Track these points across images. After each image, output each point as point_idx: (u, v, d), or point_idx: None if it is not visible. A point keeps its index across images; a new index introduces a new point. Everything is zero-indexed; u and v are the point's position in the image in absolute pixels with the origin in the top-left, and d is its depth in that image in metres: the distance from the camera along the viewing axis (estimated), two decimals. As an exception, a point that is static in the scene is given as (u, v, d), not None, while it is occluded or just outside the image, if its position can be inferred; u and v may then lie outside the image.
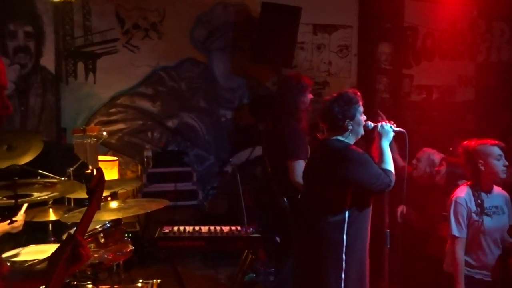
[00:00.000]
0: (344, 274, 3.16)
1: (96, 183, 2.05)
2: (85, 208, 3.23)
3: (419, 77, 7.78)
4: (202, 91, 7.13)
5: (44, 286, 1.62)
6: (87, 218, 1.96)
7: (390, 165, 3.23)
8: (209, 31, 7.06)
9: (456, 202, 3.80)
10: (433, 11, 7.49)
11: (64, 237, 3.69)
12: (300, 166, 4.03)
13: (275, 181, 4.32)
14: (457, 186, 4.17)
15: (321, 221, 3.23)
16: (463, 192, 3.82)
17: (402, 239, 3.91)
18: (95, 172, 2.07)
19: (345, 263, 3.16)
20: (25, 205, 3.41)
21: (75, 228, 1.92)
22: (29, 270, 1.84)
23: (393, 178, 3.20)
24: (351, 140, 3.26)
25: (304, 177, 3.55)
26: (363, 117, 3.28)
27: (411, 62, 7.75)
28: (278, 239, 5.83)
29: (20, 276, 1.79)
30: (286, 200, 4.14)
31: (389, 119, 3.46)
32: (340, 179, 3.14)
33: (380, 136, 3.26)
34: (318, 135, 3.44)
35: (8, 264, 3.31)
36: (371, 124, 3.29)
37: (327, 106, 3.28)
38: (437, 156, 5.05)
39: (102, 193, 2.11)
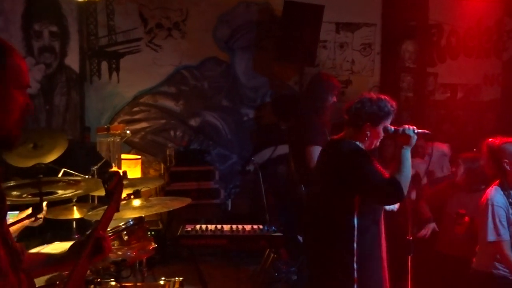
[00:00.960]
0: (357, 285, 3.01)
1: (115, 185, 2.07)
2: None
3: (444, 76, 7.67)
4: (225, 90, 7.15)
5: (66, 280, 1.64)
6: (107, 218, 1.99)
7: (404, 176, 2.94)
8: (231, 30, 7.08)
9: (493, 205, 3.67)
10: (458, 9, 7.38)
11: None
12: (316, 152, 3.99)
13: (297, 173, 4.39)
14: (477, 182, 4.14)
15: (330, 230, 3.11)
16: (497, 194, 3.70)
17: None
18: (114, 174, 2.09)
19: (357, 272, 3.00)
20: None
21: (97, 223, 1.94)
22: (55, 257, 1.86)
23: (400, 192, 2.91)
24: (363, 145, 3.08)
25: (314, 174, 3.42)
26: (387, 128, 3.03)
27: (436, 60, 7.64)
28: (300, 238, 5.85)
29: (49, 263, 1.82)
30: (303, 188, 4.21)
31: (412, 117, 3.38)
32: (344, 183, 3.00)
33: (402, 142, 3.00)
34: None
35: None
36: (391, 128, 3.03)
37: (361, 100, 3.09)
38: (444, 147, 5.03)
39: (120, 195, 2.13)
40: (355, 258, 2.99)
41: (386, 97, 3.09)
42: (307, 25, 6.55)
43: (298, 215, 4.04)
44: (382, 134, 3.05)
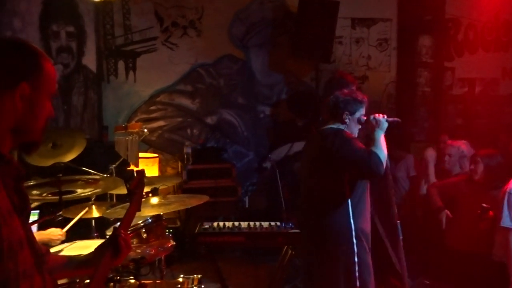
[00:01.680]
0: (358, 258, 3.22)
1: (136, 184, 2.09)
2: (127, 203, 3.31)
3: (461, 70, 7.60)
4: (241, 88, 7.16)
5: (89, 280, 1.66)
6: (128, 217, 2.00)
7: (379, 150, 3.29)
8: (247, 27, 7.08)
9: (510, 193, 3.73)
10: (475, 2, 7.30)
11: (107, 232, 3.76)
12: None
13: None
14: (496, 179, 4.12)
15: (326, 211, 3.32)
16: None
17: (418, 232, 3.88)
18: (135, 174, 2.10)
19: (357, 247, 3.23)
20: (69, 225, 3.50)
21: (119, 224, 1.95)
22: (79, 260, 1.88)
23: (378, 160, 3.22)
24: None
25: (300, 172, 3.68)
26: (361, 119, 3.42)
27: (453, 55, 7.57)
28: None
29: (73, 265, 1.84)
30: None
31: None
32: (333, 159, 3.26)
33: (372, 126, 3.39)
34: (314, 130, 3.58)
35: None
36: (362, 118, 3.45)
37: (335, 96, 3.49)
38: (464, 147, 4.97)
39: (142, 195, 2.14)
40: (353, 233, 3.23)
41: (355, 91, 3.58)
42: (323, 21, 6.52)
43: None
44: (359, 123, 3.43)
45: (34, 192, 2.97)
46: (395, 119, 3.47)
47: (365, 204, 3.36)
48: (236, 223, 3.32)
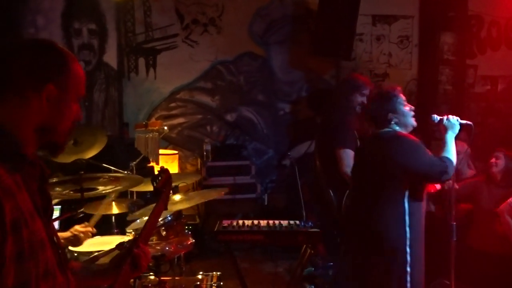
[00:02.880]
0: (410, 268, 3.14)
1: (163, 184, 2.09)
2: (151, 205, 3.33)
3: (484, 68, 7.50)
4: (261, 85, 7.15)
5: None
6: (154, 218, 2.00)
7: (450, 154, 3.20)
8: (267, 24, 7.07)
9: None
10: (499, -1, 7.20)
11: (128, 230, 3.79)
12: (347, 155, 4.02)
13: (325, 174, 4.31)
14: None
15: (380, 217, 3.21)
16: None
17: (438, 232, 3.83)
18: (161, 173, 2.10)
19: (410, 256, 3.14)
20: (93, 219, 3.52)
21: (140, 232, 1.94)
22: (95, 268, 1.88)
23: (451, 166, 3.14)
24: (401, 130, 3.28)
25: (355, 175, 3.52)
26: (408, 108, 3.30)
27: (476, 52, 7.47)
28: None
29: (88, 273, 1.84)
30: (332, 194, 4.13)
31: (451, 111, 3.43)
32: (395, 166, 3.14)
33: (446, 129, 3.27)
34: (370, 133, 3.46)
35: (75, 255, 3.44)
36: (437, 117, 3.31)
37: (368, 106, 3.46)
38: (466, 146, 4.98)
39: (169, 194, 2.14)
40: (407, 242, 3.13)
41: (380, 88, 3.54)
42: (343, 18, 6.47)
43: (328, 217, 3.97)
44: (408, 112, 3.27)
45: (57, 189, 3.01)
46: (468, 122, 3.32)
47: (422, 210, 3.25)
48: (256, 222, 3.32)
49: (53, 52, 1.51)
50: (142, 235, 1.89)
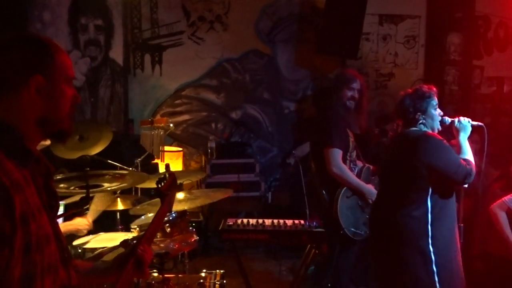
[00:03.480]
0: (436, 267, 3.14)
1: (168, 186, 2.09)
2: (153, 200, 3.32)
3: (490, 69, 7.47)
4: (266, 83, 7.15)
5: None
6: (158, 220, 2.01)
7: (469, 156, 3.23)
8: (273, 22, 7.06)
9: None
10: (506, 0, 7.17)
11: (132, 226, 3.79)
12: (335, 154, 4.03)
13: (318, 174, 4.31)
14: None
15: (404, 215, 3.23)
16: None
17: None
18: (167, 176, 2.10)
19: (434, 255, 3.14)
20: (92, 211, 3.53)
21: (144, 233, 1.93)
22: (103, 266, 1.90)
23: (474, 168, 3.17)
24: (427, 130, 3.29)
25: (380, 173, 3.53)
26: (438, 112, 3.30)
27: (482, 53, 7.45)
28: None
29: (98, 271, 1.86)
30: (325, 193, 4.14)
31: (457, 111, 3.42)
32: (421, 165, 3.14)
33: (458, 130, 3.28)
34: (390, 133, 3.45)
35: (79, 251, 3.45)
36: (448, 119, 3.32)
37: (400, 100, 3.37)
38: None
39: (174, 197, 2.14)
40: (430, 241, 3.13)
41: (420, 86, 3.37)
42: (350, 17, 6.47)
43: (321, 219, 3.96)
44: (437, 116, 3.27)
45: (62, 185, 3.01)
46: (479, 123, 3.33)
47: (449, 210, 3.24)
48: (260, 221, 3.32)
49: (35, 44, 1.53)
50: (146, 237, 1.89)
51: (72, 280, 1.59)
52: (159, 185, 2.05)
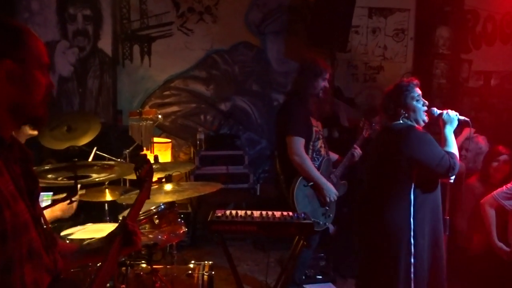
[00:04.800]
0: (414, 259, 3.19)
1: (146, 173, 2.10)
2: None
3: (478, 63, 7.52)
4: (255, 75, 7.14)
5: (99, 267, 1.67)
6: (138, 205, 2.01)
7: (454, 149, 3.25)
8: (263, 14, 7.04)
9: None
10: (495, -6, 7.21)
11: (120, 217, 3.79)
12: (297, 143, 4.09)
13: (279, 160, 4.40)
14: None
15: (387, 208, 3.28)
16: None
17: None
18: (146, 161, 2.11)
19: (414, 247, 3.19)
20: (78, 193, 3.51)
21: (127, 213, 1.96)
22: (88, 247, 1.90)
23: (457, 161, 3.20)
24: (411, 124, 3.32)
25: (366, 166, 3.58)
26: (421, 103, 3.32)
27: (470, 47, 7.50)
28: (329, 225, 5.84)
29: (83, 253, 1.86)
30: (284, 180, 4.26)
31: (445, 104, 3.45)
32: (403, 158, 3.18)
33: (444, 123, 3.30)
34: (377, 126, 3.48)
35: (67, 242, 3.44)
36: (436, 111, 3.34)
37: (382, 97, 3.44)
38: (481, 141, 4.93)
39: (151, 183, 2.15)
40: (411, 233, 3.19)
41: (400, 80, 3.43)
42: (340, 10, 6.46)
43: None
44: (419, 107, 3.30)
45: (49, 176, 3.00)
46: (466, 118, 3.35)
47: (432, 204, 3.28)
48: (249, 212, 3.32)
49: (5, 29, 1.50)
50: (129, 218, 1.90)
51: (58, 264, 1.60)
52: (137, 172, 2.06)
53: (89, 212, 4.33)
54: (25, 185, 1.53)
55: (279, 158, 4.42)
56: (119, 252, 1.79)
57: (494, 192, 4.35)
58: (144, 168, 2.11)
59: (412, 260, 3.20)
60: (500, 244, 4.34)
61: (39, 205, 1.64)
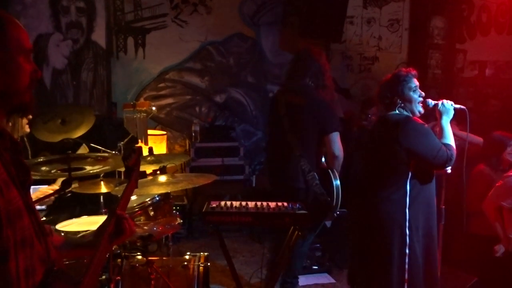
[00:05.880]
0: (409, 250, 3.20)
1: (134, 162, 2.09)
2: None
3: (473, 52, 7.52)
4: (250, 66, 7.13)
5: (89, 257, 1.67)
6: (127, 195, 2.01)
7: (450, 140, 3.25)
8: (258, 5, 7.02)
9: None
10: (489, -17, 7.20)
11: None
12: (338, 138, 3.98)
13: (307, 157, 4.32)
14: None
15: (382, 198, 3.28)
16: None
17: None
18: (133, 151, 2.11)
19: (409, 238, 3.19)
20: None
21: (117, 203, 1.95)
22: (78, 240, 1.90)
23: (454, 152, 3.20)
24: (408, 114, 3.31)
25: (359, 156, 3.57)
26: (418, 94, 3.31)
27: (465, 37, 7.49)
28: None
29: (70, 245, 1.86)
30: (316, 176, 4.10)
31: (440, 95, 3.44)
32: (401, 149, 3.18)
33: (440, 113, 3.29)
34: (373, 117, 3.47)
35: (62, 234, 3.44)
36: (431, 102, 3.33)
37: (380, 86, 3.42)
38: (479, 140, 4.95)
39: (139, 172, 2.15)
40: (407, 224, 3.19)
41: (397, 70, 3.42)
42: (334, 1, 6.45)
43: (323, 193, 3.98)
44: (415, 98, 3.29)
45: (44, 168, 2.99)
46: (462, 106, 3.34)
47: (427, 194, 3.29)
48: (244, 203, 3.32)
49: None
50: (119, 208, 1.90)
51: (51, 253, 1.59)
52: (126, 162, 2.05)
53: (84, 205, 4.33)
54: (16, 175, 1.52)
55: (307, 154, 4.07)
56: (111, 243, 1.79)
57: (497, 184, 4.34)
58: (132, 157, 2.10)
59: (407, 251, 3.20)
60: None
61: (30, 194, 1.64)
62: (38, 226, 1.56)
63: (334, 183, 3.93)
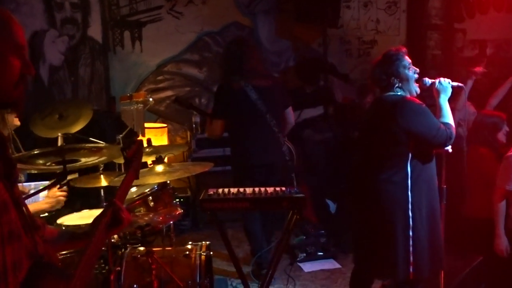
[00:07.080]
0: (412, 232, 3.17)
1: (133, 153, 2.08)
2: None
3: (472, 31, 7.44)
4: (248, 55, 7.07)
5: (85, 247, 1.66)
6: (125, 186, 1.99)
7: (449, 119, 3.23)
8: (253, -7, 6.98)
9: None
10: (487, -40, 7.11)
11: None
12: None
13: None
14: None
15: (384, 181, 3.25)
16: None
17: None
18: (133, 143, 2.10)
19: (412, 220, 3.17)
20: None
21: (115, 194, 1.94)
22: (73, 232, 1.89)
23: (454, 131, 3.18)
24: (405, 94, 3.28)
25: (360, 139, 3.55)
26: (412, 71, 3.27)
27: (464, 16, 7.41)
28: (329, 202, 5.84)
29: (65, 237, 1.85)
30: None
31: (441, 75, 3.40)
32: (400, 130, 3.15)
33: (438, 92, 3.27)
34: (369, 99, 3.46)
35: (63, 228, 3.44)
36: (428, 81, 3.30)
37: (372, 69, 3.39)
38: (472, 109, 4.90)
39: (139, 163, 2.14)
40: (409, 206, 3.17)
41: (388, 50, 3.39)
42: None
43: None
44: (411, 76, 3.25)
45: (38, 161, 2.99)
46: (459, 84, 3.33)
47: (429, 175, 3.27)
48: (241, 189, 3.31)
49: None
50: (116, 198, 1.88)
51: (39, 248, 1.58)
52: (124, 153, 2.04)
53: (85, 199, 4.33)
54: (2, 168, 1.50)
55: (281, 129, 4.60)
56: (106, 233, 1.77)
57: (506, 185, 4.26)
58: (132, 148, 2.09)
59: (411, 233, 3.18)
60: (504, 238, 4.21)
61: (17, 188, 1.62)
62: (26, 220, 1.55)
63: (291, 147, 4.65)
